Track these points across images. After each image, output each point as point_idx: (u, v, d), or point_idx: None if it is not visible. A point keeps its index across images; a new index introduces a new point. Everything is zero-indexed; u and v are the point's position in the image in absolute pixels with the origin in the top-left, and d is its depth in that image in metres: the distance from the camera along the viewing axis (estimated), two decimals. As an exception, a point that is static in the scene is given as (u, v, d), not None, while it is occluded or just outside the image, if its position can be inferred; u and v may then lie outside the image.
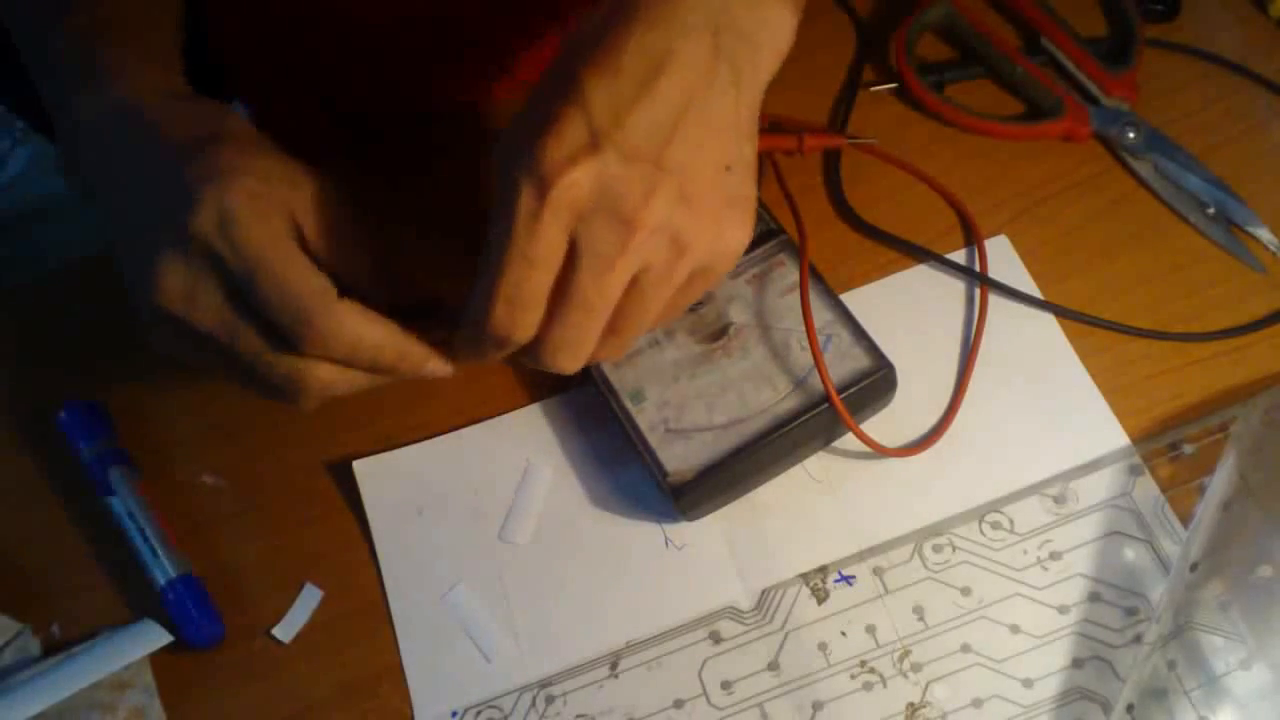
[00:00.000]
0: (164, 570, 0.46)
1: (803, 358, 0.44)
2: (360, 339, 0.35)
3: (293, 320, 0.34)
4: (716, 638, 0.44)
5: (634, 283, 0.34)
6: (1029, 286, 0.49)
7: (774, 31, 0.34)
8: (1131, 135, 0.51)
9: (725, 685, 0.43)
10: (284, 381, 0.36)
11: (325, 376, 0.36)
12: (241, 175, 0.34)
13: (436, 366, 0.38)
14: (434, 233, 0.47)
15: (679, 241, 0.33)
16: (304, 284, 0.34)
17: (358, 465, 0.48)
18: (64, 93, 0.40)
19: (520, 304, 0.33)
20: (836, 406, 0.42)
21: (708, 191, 0.33)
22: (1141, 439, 0.45)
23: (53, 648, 0.46)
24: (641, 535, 0.46)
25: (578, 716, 0.43)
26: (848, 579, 0.44)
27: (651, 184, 0.32)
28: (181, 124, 0.37)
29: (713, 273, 0.35)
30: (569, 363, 0.35)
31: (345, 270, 0.36)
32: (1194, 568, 0.41)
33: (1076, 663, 0.42)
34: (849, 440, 0.46)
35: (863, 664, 0.42)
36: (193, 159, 0.35)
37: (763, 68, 0.34)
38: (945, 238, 0.50)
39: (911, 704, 0.42)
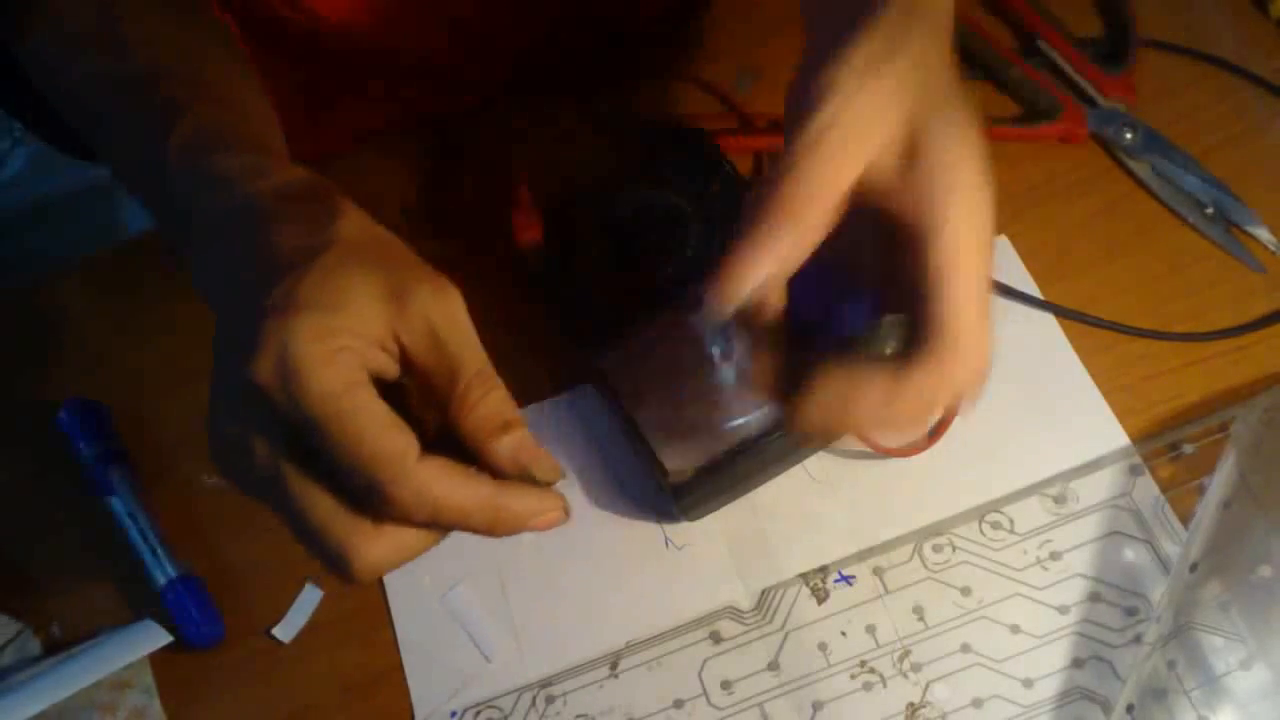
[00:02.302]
0: (164, 570, 0.46)
1: (803, 358, 0.44)
2: (443, 506, 0.31)
3: (365, 487, 0.30)
4: (716, 638, 0.44)
5: None
6: (1029, 286, 0.49)
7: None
8: (1129, 136, 0.51)
9: (725, 685, 0.43)
10: (336, 553, 0.31)
11: (388, 556, 0.32)
12: (310, 311, 0.30)
13: (548, 519, 0.33)
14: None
15: None
16: (377, 444, 0.30)
17: (358, 465, 0.48)
18: (184, 217, 0.36)
19: None
20: (836, 406, 0.42)
21: None
22: (1141, 439, 0.45)
23: (53, 648, 0.46)
24: (641, 535, 0.46)
25: (578, 716, 0.43)
26: (848, 579, 0.44)
27: None
28: (287, 233, 0.33)
29: None
30: None
31: (441, 391, 0.32)
32: (1194, 568, 0.41)
33: (1076, 663, 0.42)
34: (849, 440, 0.46)
35: (863, 664, 0.42)
36: (273, 283, 0.31)
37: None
38: (945, 238, 0.50)
39: (911, 704, 0.42)
